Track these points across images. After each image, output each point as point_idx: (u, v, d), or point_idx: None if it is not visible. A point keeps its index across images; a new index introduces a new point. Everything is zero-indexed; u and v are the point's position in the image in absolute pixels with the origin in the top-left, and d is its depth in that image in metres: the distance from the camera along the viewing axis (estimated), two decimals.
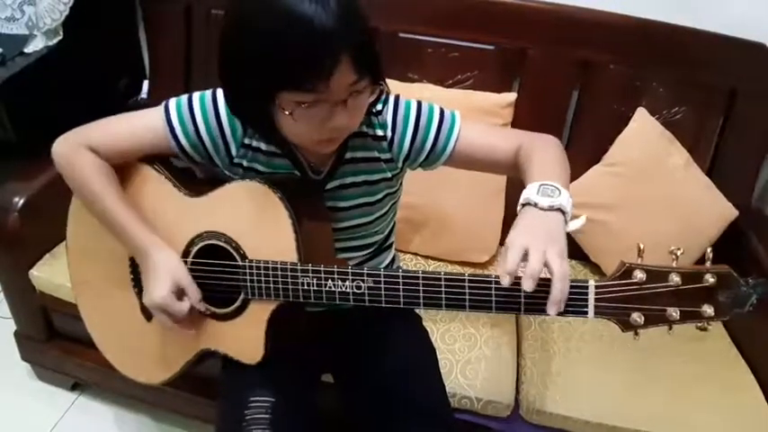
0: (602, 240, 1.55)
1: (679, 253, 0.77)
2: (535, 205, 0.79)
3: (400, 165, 0.99)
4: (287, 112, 0.79)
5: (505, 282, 0.74)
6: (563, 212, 0.79)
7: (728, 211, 1.54)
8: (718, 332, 1.47)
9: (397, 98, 0.97)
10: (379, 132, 0.96)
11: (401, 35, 1.62)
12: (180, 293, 0.94)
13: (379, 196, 1.00)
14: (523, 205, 0.81)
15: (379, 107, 0.95)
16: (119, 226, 0.95)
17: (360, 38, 0.76)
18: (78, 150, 0.96)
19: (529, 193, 0.80)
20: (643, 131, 1.55)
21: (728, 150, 1.59)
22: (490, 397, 1.26)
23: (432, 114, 0.96)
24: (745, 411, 1.28)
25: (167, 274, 0.92)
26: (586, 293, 0.78)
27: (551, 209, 0.78)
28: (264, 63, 0.76)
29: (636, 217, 1.52)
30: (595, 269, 1.62)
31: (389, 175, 0.99)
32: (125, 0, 1.85)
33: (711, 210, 1.54)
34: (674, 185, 1.53)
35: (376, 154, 0.97)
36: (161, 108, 0.95)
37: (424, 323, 1.20)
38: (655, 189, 1.52)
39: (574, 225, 0.81)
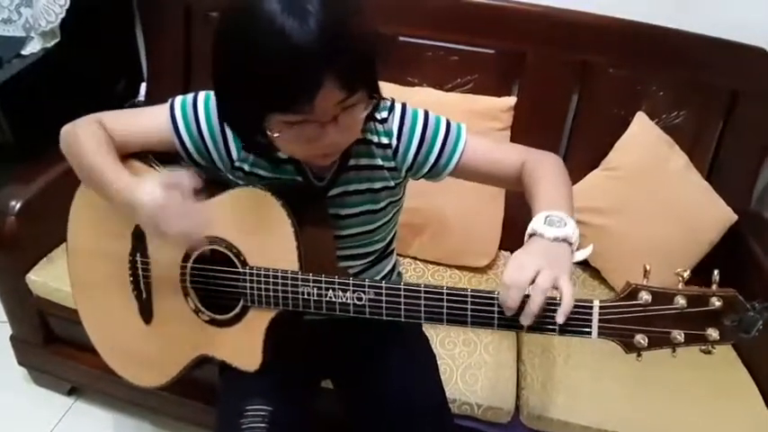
0: (601, 245, 1.54)
1: (686, 275, 0.76)
2: (541, 236, 0.79)
3: (403, 174, 0.98)
4: (275, 134, 0.77)
5: (503, 295, 0.75)
6: (569, 243, 0.79)
7: (728, 215, 1.54)
8: None
9: (403, 107, 0.96)
10: (384, 140, 0.95)
11: (401, 38, 1.62)
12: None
13: (382, 204, 1.00)
14: (531, 236, 0.81)
15: (385, 114, 0.94)
16: (100, 174, 0.88)
17: (346, 54, 0.70)
18: (88, 122, 0.94)
19: (535, 225, 0.81)
20: (642, 135, 1.55)
21: (728, 154, 1.60)
22: (490, 402, 1.26)
23: (438, 127, 0.96)
24: (744, 416, 1.28)
25: (153, 180, 0.84)
26: (590, 313, 0.77)
27: (557, 239, 0.78)
28: (247, 81, 0.73)
29: (635, 221, 1.52)
30: (595, 273, 1.62)
31: (392, 183, 0.98)
32: (123, 2, 1.85)
33: (711, 214, 1.54)
34: (673, 189, 1.53)
35: (379, 162, 0.96)
36: (167, 105, 0.95)
37: (424, 329, 1.19)
38: (654, 193, 1.52)
39: (580, 255, 0.81)
